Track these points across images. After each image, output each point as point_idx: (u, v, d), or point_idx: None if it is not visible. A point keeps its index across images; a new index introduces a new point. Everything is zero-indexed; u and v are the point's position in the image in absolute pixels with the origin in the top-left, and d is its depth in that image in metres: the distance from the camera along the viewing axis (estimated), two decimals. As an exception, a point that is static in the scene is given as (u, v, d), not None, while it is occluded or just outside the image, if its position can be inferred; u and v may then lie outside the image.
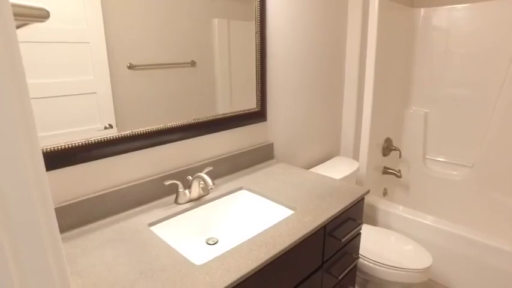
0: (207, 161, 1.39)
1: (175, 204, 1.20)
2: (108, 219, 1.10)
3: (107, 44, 1.04)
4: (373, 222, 2.28)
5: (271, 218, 1.22)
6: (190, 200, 1.22)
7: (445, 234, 1.93)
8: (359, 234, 1.40)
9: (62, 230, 1.01)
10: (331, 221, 1.16)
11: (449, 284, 1.98)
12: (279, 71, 1.67)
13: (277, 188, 1.33)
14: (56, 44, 0.93)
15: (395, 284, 1.62)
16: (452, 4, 2.35)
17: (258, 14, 1.47)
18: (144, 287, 0.78)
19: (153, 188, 1.22)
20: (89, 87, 1.02)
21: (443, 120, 2.55)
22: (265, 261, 0.89)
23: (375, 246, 1.69)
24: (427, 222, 2.01)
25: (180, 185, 1.21)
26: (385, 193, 2.70)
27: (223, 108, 1.44)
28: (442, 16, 2.40)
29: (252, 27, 1.48)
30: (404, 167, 2.79)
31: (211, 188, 1.33)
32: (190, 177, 1.27)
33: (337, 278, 1.25)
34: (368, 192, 1.31)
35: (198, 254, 1.06)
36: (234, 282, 0.81)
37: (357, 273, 1.72)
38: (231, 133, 1.50)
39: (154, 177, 1.22)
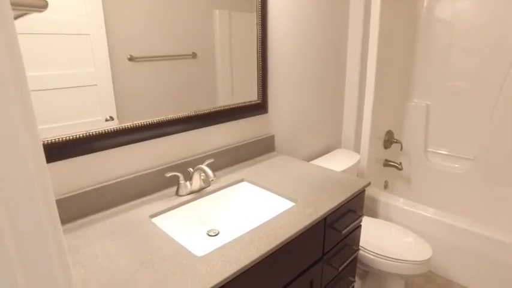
0: (208, 153, 1.39)
1: (176, 196, 1.21)
2: (109, 211, 1.11)
3: (107, 35, 1.03)
4: (374, 214, 2.29)
5: (272, 209, 1.22)
6: (191, 192, 1.23)
7: (445, 227, 1.94)
8: (359, 226, 1.41)
9: (64, 221, 1.02)
10: (332, 213, 1.16)
11: (449, 276, 2.00)
12: (280, 62, 1.66)
13: (278, 180, 1.34)
14: (55, 36, 0.93)
15: (395, 276, 1.63)
16: (456, -5, 2.32)
17: (259, 4, 1.46)
18: (145, 277, 0.79)
19: (154, 179, 1.23)
20: (90, 79, 1.02)
21: (445, 112, 2.54)
22: (266, 252, 0.89)
23: (375, 238, 1.69)
24: (427, 214, 2.01)
25: (181, 177, 1.21)
26: (386, 185, 2.70)
27: (224, 100, 1.43)
28: (445, 7, 2.37)
29: (253, 18, 1.46)
30: (405, 160, 2.79)
31: (212, 180, 1.33)
32: (191, 169, 1.27)
33: (338, 269, 1.26)
34: (369, 184, 1.32)
35: (199, 246, 1.07)
36: (235, 273, 0.81)
37: (357, 264, 1.73)
38: (232, 125, 1.50)
39: (155, 169, 1.23)
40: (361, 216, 1.33)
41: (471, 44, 2.30)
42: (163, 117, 1.22)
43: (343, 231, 1.22)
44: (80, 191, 1.04)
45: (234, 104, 1.47)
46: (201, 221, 1.18)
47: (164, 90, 1.21)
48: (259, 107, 1.58)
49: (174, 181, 1.29)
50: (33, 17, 0.88)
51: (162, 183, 1.25)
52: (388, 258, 1.57)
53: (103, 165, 1.10)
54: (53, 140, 0.96)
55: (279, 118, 1.74)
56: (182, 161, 1.31)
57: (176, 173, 1.20)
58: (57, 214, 0.39)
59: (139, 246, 0.91)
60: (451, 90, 2.47)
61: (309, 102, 1.91)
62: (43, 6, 0.40)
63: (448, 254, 1.97)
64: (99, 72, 1.03)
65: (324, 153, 2.16)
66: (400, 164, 2.58)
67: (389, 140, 2.57)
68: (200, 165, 1.18)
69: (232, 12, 1.37)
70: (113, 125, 1.09)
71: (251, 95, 1.55)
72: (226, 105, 1.43)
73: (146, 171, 1.20)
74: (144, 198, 1.19)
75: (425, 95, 2.61)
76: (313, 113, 1.97)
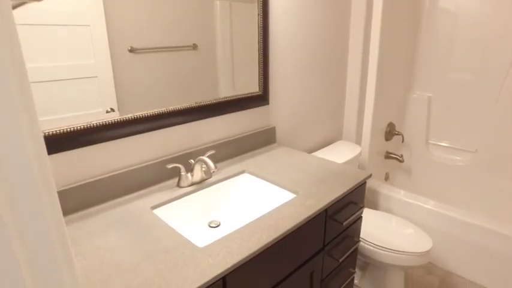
0: (209, 145, 1.39)
1: (177, 188, 1.21)
2: (111, 203, 1.11)
3: (107, 27, 1.02)
4: (375, 206, 2.29)
5: (273, 201, 1.22)
6: (193, 184, 1.23)
7: (445, 219, 1.95)
8: (360, 218, 1.41)
9: (65, 213, 1.03)
10: (333, 204, 1.16)
11: (449, 267, 2.01)
12: (281, 54, 1.65)
13: (279, 171, 1.34)
14: (55, 27, 0.92)
15: (395, 267, 1.64)
16: (460, -15, 2.28)
17: (260, -5, 1.44)
18: (147, 268, 0.79)
19: (156, 171, 1.23)
20: (90, 71, 1.01)
21: (447, 105, 2.53)
22: (267, 243, 0.90)
23: (376, 229, 1.70)
24: (428, 206, 2.02)
25: (182, 169, 1.21)
26: (387, 178, 2.70)
27: (226, 91, 1.42)
28: (449, -2, 2.34)
29: (255, 9, 1.45)
30: (406, 152, 2.78)
31: (214, 172, 1.33)
32: (192, 160, 1.28)
33: (338, 260, 1.26)
34: (370, 176, 1.32)
35: (201, 237, 1.08)
36: (236, 264, 0.82)
37: (358, 256, 1.74)
38: (233, 117, 1.49)
39: (156, 160, 1.23)
40: (362, 208, 1.33)
41: (474, 36, 2.28)
42: (164, 108, 1.22)
43: (344, 223, 1.22)
44: (81, 183, 1.04)
45: (235, 96, 1.46)
46: (203, 213, 1.19)
47: (165, 82, 1.20)
48: (260, 99, 1.58)
49: (175, 173, 1.29)
50: (32, 8, 0.88)
51: (163, 174, 1.25)
52: (389, 250, 1.58)
53: (104, 157, 1.10)
54: (54, 132, 0.96)
55: (280, 110, 1.73)
56: (183, 152, 1.31)
57: (177, 165, 1.20)
58: (59, 206, 0.39)
59: (141, 237, 0.92)
60: (453, 82, 2.45)
61: (310, 94, 1.90)
62: (42, -4, 0.40)
63: (448, 246, 1.98)
64: (99, 63, 1.03)
65: (325, 145, 2.16)
66: (402, 156, 2.58)
67: (390, 132, 2.56)
68: (201, 157, 1.18)
69: (233, 2, 1.35)
70: (114, 117, 1.09)
71: (252, 87, 1.54)
72: (227, 97, 1.43)
73: (147, 163, 1.20)
74: (146, 190, 1.20)
75: (427, 87, 2.59)
76: (315, 104, 1.96)
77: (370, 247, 1.63)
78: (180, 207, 1.15)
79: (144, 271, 0.78)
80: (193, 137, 1.35)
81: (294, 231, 1.00)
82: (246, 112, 1.54)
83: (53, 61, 0.94)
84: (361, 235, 1.67)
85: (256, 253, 0.87)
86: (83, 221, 1.00)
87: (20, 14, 0.86)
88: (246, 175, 1.35)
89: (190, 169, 1.26)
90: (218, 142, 1.43)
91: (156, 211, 1.08)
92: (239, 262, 0.83)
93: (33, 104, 0.36)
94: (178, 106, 1.26)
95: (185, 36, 1.22)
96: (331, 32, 1.93)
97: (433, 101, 2.59)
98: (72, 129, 0.99)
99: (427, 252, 1.57)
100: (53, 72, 0.94)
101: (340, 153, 1.97)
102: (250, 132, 1.57)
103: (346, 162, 1.88)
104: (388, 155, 2.62)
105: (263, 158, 1.50)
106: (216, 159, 1.43)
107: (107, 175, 1.10)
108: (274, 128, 1.68)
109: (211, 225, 1.14)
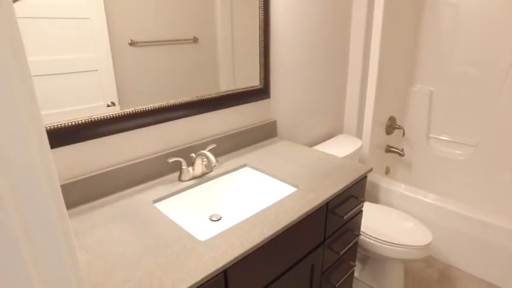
0: (210, 139, 1.39)
1: (178, 182, 1.21)
2: (112, 196, 1.11)
3: (107, 20, 1.01)
4: (375, 200, 2.30)
5: (274, 195, 1.23)
6: (194, 177, 1.23)
7: (445, 212, 1.95)
8: (361, 211, 1.42)
9: (68, 206, 1.03)
10: (334, 198, 1.17)
11: (449, 261, 2.02)
12: (282, 47, 1.64)
13: (280, 165, 1.34)
14: (54, 20, 0.91)
15: (395, 260, 1.65)
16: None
17: (261, -13, 1.43)
18: (149, 262, 0.80)
19: (157, 165, 1.23)
20: (90, 64, 1.01)
21: (448, 98, 2.52)
22: (268, 237, 0.90)
23: (376, 223, 1.71)
24: (428, 200, 2.02)
25: (184, 163, 1.22)
26: (387, 171, 2.71)
27: (226, 85, 1.42)
28: (451, -10, 2.32)
29: (256, 1, 1.43)
30: (407, 146, 2.78)
31: (215, 166, 1.33)
32: (193, 154, 1.28)
33: (339, 254, 1.27)
34: (370, 170, 1.32)
35: (202, 230, 1.08)
36: (237, 257, 0.82)
37: (358, 249, 1.75)
38: (234, 110, 1.49)
39: (157, 154, 1.23)
40: (362, 201, 1.33)
41: (476, 29, 2.26)
42: (165, 102, 1.21)
43: (345, 217, 1.23)
44: (83, 177, 1.05)
45: (236, 89, 1.46)
46: (204, 206, 1.19)
47: (166, 75, 1.20)
48: (261, 92, 1.57)
49: (177, 166, 1.30)
50: (32, 1, 0.87)
51: (164, 168, 1.26)
52: (389, 243, 1.59)
53: (105, 151, 1.10)
54: (56, 126, 0.96)
55: (281, 103, 1.73)
56: (184, 146, 1.31)
57: (178, 159, 1.21)
58: (63, 199, 0.40)
59: (143, 230, 0.92)
60: (454, 76, 2.44)
61: (311, 88, 1.90)
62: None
63: (448, 239, 1.99)
64: (99, 57, 1.02)
65: (326, 138, 2.16)
66: (402, 150, 2.58)
67: (391, 126, 2.56)
68: (202, 151, 1.19)
69: (234, -5, 1.34)
70: (115, 111, 1.09)
71: (253, 80, 1.53)
72: (228, 91, 1.42)
73: (148, 157, 1.20)
74: (147, 184, 1.20)
75: (428, 81, 2.58)
76: (316, 98, 1.96)
77: (371, 240, 1.64)
78: (182, 201, 1.15)
79: (146, 264, 0.79)
80: (194, 130, 1.35)
81: (294, 224, 1.00)
82: (247, 106, 1.54)
83: (53, 54, 0.93)
84: (362, 228, 1.67)
85: (257, 246, 0.88)
86: (86, 214, 1.01)
87: (20, 8, 0.85)
88: (247, 169, 1.35)
89: (191, 163, 1.26)
90: (219, 136, 1.43)
91: (157, 205, 1.09)
92: (240, 255, 0.83)
93: (35, 97, 0.36)
94: (179, 100, 1.25)
95: (185, 30, 1.22)
96: (333, 26, 1.92)
97: (434, 94, 2.58)
98: (73, 123, 0.99)
99: (427, 245, 1.57)
100: (53, 65, 0.94)
101: (341, 147, 1.97)
102: (251, 126, 1.57)
103: (347, 156, 1.88)
104: (388, 149, 2.62)
105: (264, 151, 1.50)
106: (217, 153, 1.43)
107: (108, 169, 1.10)
108: (275, 121, 1.68)
109: (212, 219, 1.14)
